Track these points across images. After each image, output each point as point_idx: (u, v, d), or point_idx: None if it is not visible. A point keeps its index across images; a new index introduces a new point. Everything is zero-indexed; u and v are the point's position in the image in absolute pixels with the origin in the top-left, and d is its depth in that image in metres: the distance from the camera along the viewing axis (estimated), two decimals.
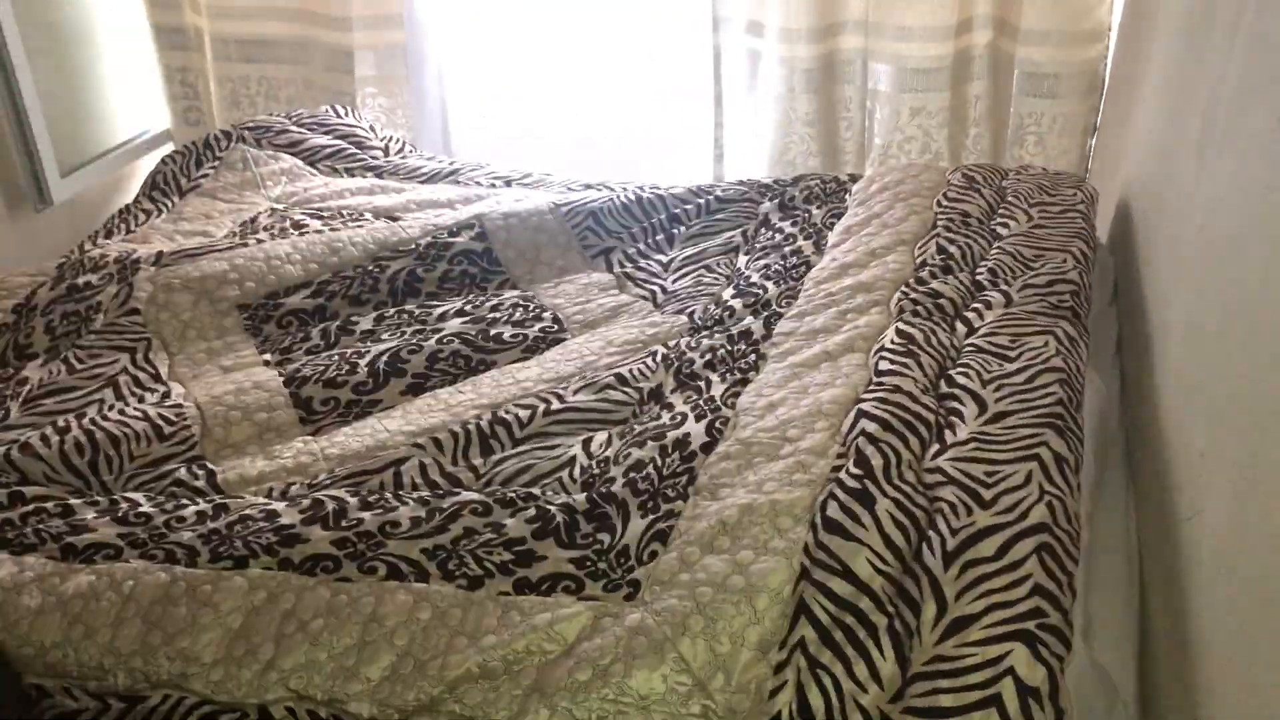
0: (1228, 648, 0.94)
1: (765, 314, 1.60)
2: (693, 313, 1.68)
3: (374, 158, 2.38)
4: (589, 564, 1.16)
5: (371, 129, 2.49)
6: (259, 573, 1.15)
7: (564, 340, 1.64)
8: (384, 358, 1.55)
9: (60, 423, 1.44)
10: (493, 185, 2.25)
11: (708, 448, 1.31)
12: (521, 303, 1.73)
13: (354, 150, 2.38)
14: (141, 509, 1.28)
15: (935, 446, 1.27)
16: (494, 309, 1.71)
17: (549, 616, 1.08)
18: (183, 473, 1.36)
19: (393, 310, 1.74)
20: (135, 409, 1.47)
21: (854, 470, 1.20)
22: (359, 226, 1.93)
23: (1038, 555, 1.06)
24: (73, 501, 1.30)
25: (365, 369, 1.53)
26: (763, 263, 1.77)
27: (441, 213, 2.02)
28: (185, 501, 1.30)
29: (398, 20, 2.87)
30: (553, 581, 1.14)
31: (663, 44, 2.88)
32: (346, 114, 2.51)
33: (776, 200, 1.99)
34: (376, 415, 1.47)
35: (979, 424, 1.27)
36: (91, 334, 1.64)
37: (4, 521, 1.26)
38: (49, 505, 1.29)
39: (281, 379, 1.53)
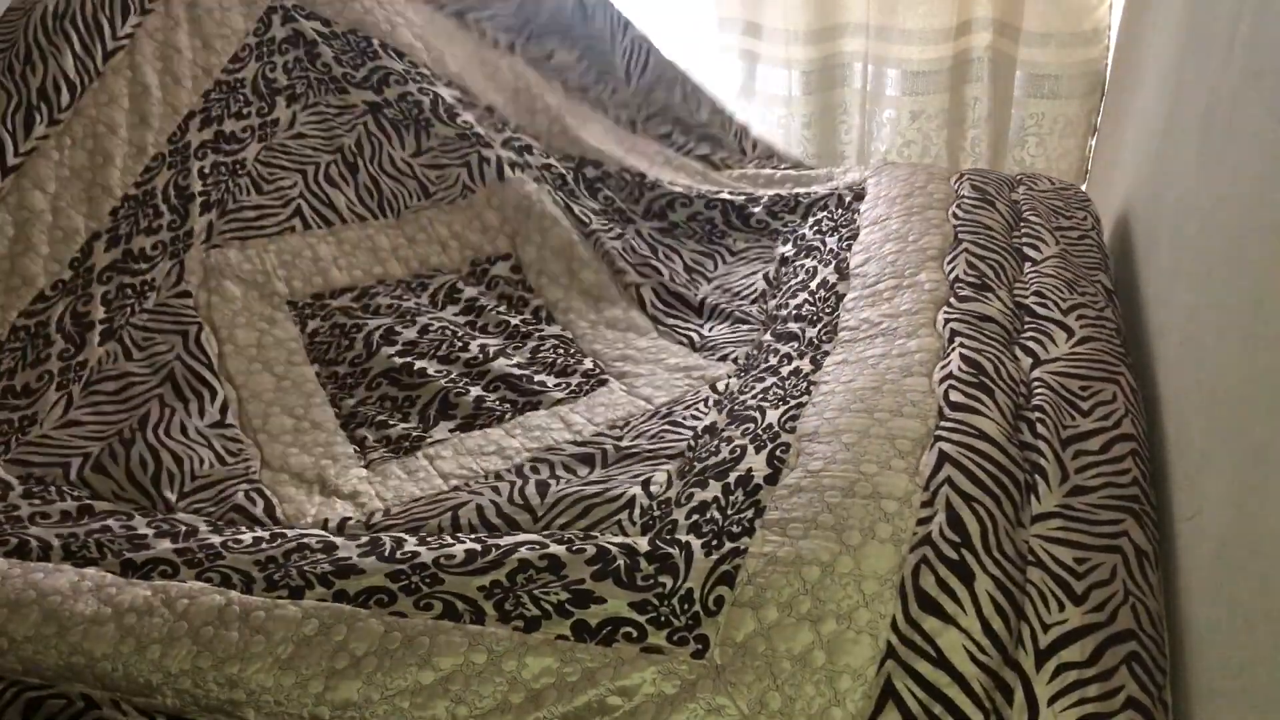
0: (1227, 648, 0.94)
1: (812, 353, 1.54)
2: (736, 358, 1.66)
3: None
4: (651, 608, 1.09)
5: None
6: (312, 604, 1.14)
7: (607, 383, 1.64)
8: (434, 405, 1.59)
9: (125, 433, 1.49)
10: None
11: (772, 479, 1.25)
12: (561, 345, 1.74)
13: None
14: (201, 533, 1.29)
15: (1027, 511, 1.20)
16: (535, 351, 1.72)
17: (611, 672, 1.04)
18: (241, 497, 1.40)
19: (436, 325, 1.75)
20: (197, 433, 1.51)
21: (950, 535, 1.11)
22: (394, 199, 1.98)
23: (1128, 665, 1.02)
24: (136, 520, 1.33)
25: (416, 416, 1.57)
26: (793, 304, 1.72)
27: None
28: (244, 528, 1.32)
29: None
30: (613, 627, 1.08)
31: (665, 43, 2.88)
32: None
33: (790, 243, 1.95)
34: (425, 451, 1.49)
35: (1062, 495, 1.21)
36: (145, 313, 1.68)
37: (70, 534, 1.28)
38: (114, 525, 1.31)
39: (339, 420, 1.56)
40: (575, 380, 1.64)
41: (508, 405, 1.58)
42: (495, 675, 1.05)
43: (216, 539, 1.27)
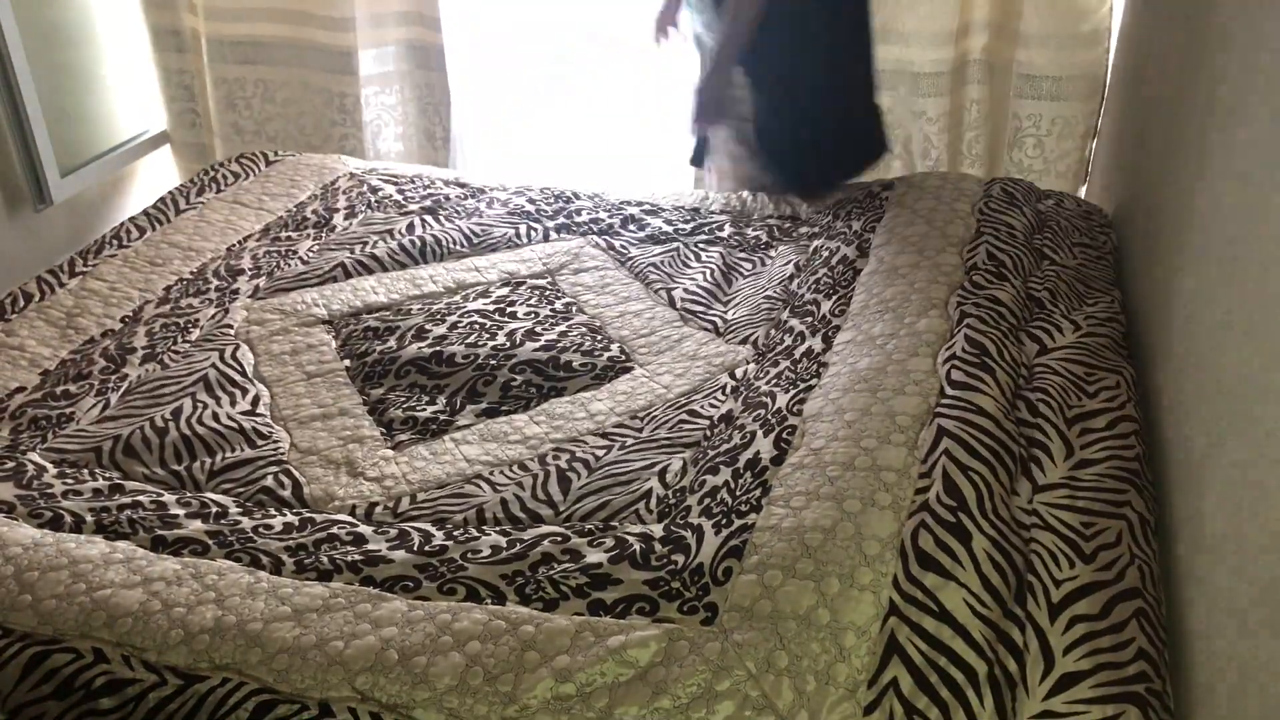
0: (1227, 647, 0.94)
1: (824, 329, 1.58)
2: (756, 340, 1.69)
3: None
4: (663, 584, 1.13)
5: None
6: (340, 586, 1.17)
7: (631, 370, 1.64)
8: (461, 392, 1.60)
9: (159, 421, 1.52)
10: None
11: (778, 459, 1.28)
12: (590, 331, 1.74)
13: None
14: (231, 515, 1.31)
15: (1024, 482, 1.25)
16: (563, 334, 1.72)
17: (622, 639, 1.05)
18: (270, 480, 1.41)
19: (465, 321, 1.77)
20: (228, 417, 1.54)
21: (946, 500, 1.15)
22: (438, 246, 2.04)
23: (1137, 619, 1.06)
24: (166, 498, 1.36)
25: (444, 402, 1.58)
26: (812, 279, 1.76)
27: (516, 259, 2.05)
28: (273, 511, 1.33)
29: (398, 19, 2.87)
30: (627, 604, 1.11)
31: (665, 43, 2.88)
32: None
33: (823, 232, 1.99)
34: (453, 436, 1.50)
35: (1067, 469, 1.26)
36: (186, 343, 1.74)
37: (102, 509, 1.31)
38: (144, 500, 1.34)
39: (365, 407, 1.57)
40: (600, 364, 1.64)
41: (533, 390, 1.59)
42: (510, 638, 1.07)
43: (248, 523, 1.28)
